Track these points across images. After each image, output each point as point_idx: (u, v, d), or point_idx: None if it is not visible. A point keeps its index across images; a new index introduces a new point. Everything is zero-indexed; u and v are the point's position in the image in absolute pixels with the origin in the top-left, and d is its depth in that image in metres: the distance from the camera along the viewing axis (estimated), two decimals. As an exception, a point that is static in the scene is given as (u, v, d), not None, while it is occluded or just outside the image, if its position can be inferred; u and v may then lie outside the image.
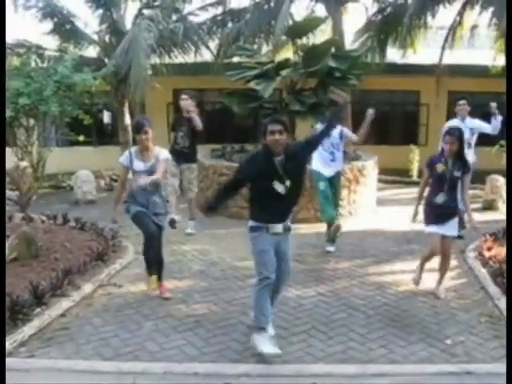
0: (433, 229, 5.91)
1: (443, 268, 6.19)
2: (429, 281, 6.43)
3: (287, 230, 4.88)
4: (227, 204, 9.50)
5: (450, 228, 5.92)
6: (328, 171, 7.76)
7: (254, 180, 4.78)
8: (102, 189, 13.23)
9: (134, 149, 6.06)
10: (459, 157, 5.83)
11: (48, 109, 9.54)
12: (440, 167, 5.85)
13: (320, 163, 7.75)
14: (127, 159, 5.99)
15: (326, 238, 7.96)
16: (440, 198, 5.85)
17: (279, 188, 4.67)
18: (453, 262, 7.21)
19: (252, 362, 4.61)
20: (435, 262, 6.20)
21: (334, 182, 7.87)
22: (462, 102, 8.71)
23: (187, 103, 8.64)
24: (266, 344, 4.60)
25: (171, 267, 7.08)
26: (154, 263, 6.09)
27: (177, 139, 8.75)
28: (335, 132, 7.70)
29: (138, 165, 5.92)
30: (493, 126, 8.64)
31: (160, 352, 4.80)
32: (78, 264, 6.77)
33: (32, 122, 10.19)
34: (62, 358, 4.69)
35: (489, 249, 7.40)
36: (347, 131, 8.08)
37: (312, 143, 5.11)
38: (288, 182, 4.67)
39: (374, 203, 11.09)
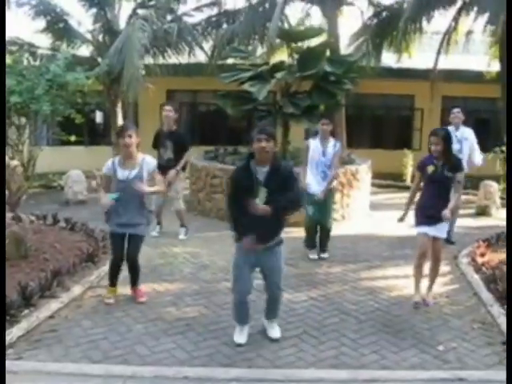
0: (423, 229, 5.93)
1: (434, 272, 6.16)
2: (420, 287, 6.45)
3: (271, 247, 4.83)
4: (218, 206, 9.52)
5: (440, 230, 5.94)
6: (319, 188, 7.58)
7: (236, 193, 4.77)
8: (93, 189, 13.13)
9: (117, 158, 5.87)
10: (448, 157, 5.83)
11: (40, 107, 9.53)
12: (430, 169, 5.87)
13: (312, 180, 7.61)
14: (110, 168, 5.80)
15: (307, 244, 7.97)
16: (431, 200, 5.87)
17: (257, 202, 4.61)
18: (445, 268, 7.24)
19: (243, 366, 4.59)
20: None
21: (323, 201, 7.67)
22: (456, 110, 8.70)
23: (170, 115, 8.58)
24: (236, 334, 5.02)
25: (161, 270, 7.06)
26: (130, 271, 6.07)
27: (160, 154, 8.59)
28: (330, 150, 7.61)
29: (123, 173, 5.72)
30: (478, 157, 8.66)
31: (150, 355, 4.76)
32: (67, 265, 6.73)
33: (23, 120, 10.18)
34: (51, 360, 4.65)
35: (482, 255, 7.41)
36: (340, 148, 7.91)
37: (293, 191, 4.77)
38: (266, 197, 4.61)
39: (368, 207, 11.10)
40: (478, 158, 8.62)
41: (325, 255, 7.83)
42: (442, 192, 5.84)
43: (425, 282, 6.16)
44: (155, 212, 8.53)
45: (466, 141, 8.51)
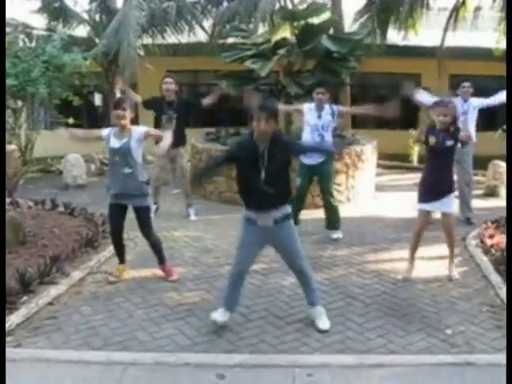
0: (423, 206, 6.01)
1: (450, 247, 6.26)
2: (427, 269, 6.44)
3: (279, 221, 4.80)
4: (220, 188, 9.48)
5: (446, 204, 5.93)
6: (312, 159, 7.47)
7: (238, 162, 4.82)
8: (92, 173, 13.16)
9: (116, 128, 5.99)
10: (451, 127, 5.81)
11: (36, 90, 9.46)
12: (432, 140, 5.88)
13: None
14: (106, 134, 5.99)
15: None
16: (434, 174, 5.86)
17: (260, 175, 4.65)
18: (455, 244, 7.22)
19: (246, 352, 4.58)
20: (430, 249, 6.19)
21: (320, 172, 7.67)
22: (467, 84, 8.68)
23: (172, 88, 8.64)
24: (216, 313, 4.96)
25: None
26: (151, 248, 6.25)
27: (160, 124, 8.57)
28: (327, 113, 7.60)
29: (113, 142, 5.89)
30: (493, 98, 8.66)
31: (151, 342, 4.76)
32: (66, 251, 6.73)
33: (20, 103, 10.10)
34: (50, 347, 4.66)
35: (490, 236, 7.37)
36: (340, 108, 7.99)
37: (301, 151, 5.14)
38: (267, 170, 4.64)
39: (373, 189, 11.06)
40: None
41: (335, 235, 7.80)
42: (443, 165, 5.84)
43: (429, 263, 6.15)
44: (152, 190, 8.57)
45: (473, 111, 8.57)
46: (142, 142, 5.96)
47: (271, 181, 4.66)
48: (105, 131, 6.04)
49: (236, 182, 5.01)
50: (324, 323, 5.01)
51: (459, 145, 6.01)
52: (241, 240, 4.95)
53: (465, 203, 8.69)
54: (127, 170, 5.85)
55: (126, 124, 5.83)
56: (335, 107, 7.84)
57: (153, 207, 8.79)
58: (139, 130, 5.95)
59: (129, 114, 5.84)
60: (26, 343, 4.72)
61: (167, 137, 6.11)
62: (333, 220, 7.86)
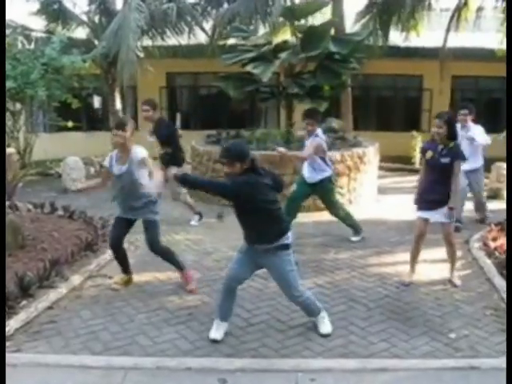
0: (420, 214, 6.08)
1: (451, 257, 6.28)
2: (430, 272, 6.43)
3: (270, 250, 4.73)
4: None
5: (439, 215, 5.97)
6: (310, 178, 7.53)
7: None
8: (91, 176, 13.14)
9: (115, 152, 5.91)
10: (449, 142, 5.82)
11: (35, 93, 9.48)
12: (429, 154, 5.96)
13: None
14: (108, 162, 5.91)
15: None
16: (430, 185, 5.93)
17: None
18: (457, 253, 7.21)
19: (247, 356, 4.58)
20: (433, 252, 6.18)
21: (318, 189, 7.67)
22: (463, 111, 8.43)
23: (147, 115, 8.42)
24: (212, 329, 4.91)
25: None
26: (164, 259, 6.17)
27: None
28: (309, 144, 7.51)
29: (117, 168, 5.78)
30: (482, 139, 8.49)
31: (152, 346, 4.76)
32: (66, 254, 6.73)
33: (18, 106, 10.12)
34: (50, 352, 4.66)
35: (494, 239, 7.38)
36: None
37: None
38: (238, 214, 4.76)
39: (375, 191, 11.06)
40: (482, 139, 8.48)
41: (353, 238, 7.90)
42: (440, 178, 5.87)
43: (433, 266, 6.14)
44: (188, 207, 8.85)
45: (471, 141, 8.31)
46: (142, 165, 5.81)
47: (247, 223, 4.78)
48: (106, 160, 5.94)
49: None
50: (325, 327, 5.01)
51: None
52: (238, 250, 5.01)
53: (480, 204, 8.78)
54: (132, 193, 5.80)
55: (123, 144, 5.71)
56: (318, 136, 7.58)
57: (196, 217, 8.92)
58: (137, 153, 5.74)
59: (128, 135, 5.69)
60: (26, 348, 4.71)
61: (156, 175, 5.71)
62: (350, 226, 7.92)
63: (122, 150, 5.76)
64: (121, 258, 6.13)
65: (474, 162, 8.20)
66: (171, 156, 8.42)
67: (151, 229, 5.94)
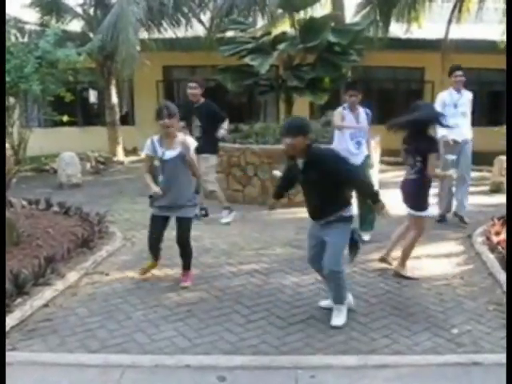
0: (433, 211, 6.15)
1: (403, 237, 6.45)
2: (432, 267, 6.44)
3: (330, 221, 5.00)
4: (220, 186, 9.45)
5: None
6: (355, 159, 7.35)
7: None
8: (87, 172, 13.17)
9: (155, 137, 5.93)
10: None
11: (29, 87, 9.43)
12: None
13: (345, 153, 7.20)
14: (150, 148, 5.90)
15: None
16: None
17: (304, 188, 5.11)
18: (459, 248, 7.26)
19: (247, 353, 4.58)
20: (435, 247, 6.18)
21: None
22: (459, 72, 8.45)
23: (196, 92, 8.57)
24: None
25: (161, 254, 7.02)
26: (181, 255, 6.18)
27: (191, 131, 8.49)
28: (363, 118, 7.57)
29: (166, 153, 5.79)
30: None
31: (149, 344, 4.76)
32: (61, 251, 6.72)
33: (12, 100, 10.08)
34: (46, 350, 4.66)
35: (497, 233, 7.37)
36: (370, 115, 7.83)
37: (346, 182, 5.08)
38: (308, 184, 5.01)
39: (377, 186, 11.03)
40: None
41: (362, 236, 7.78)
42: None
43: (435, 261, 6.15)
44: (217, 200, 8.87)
45: (468, 103, 8.47)
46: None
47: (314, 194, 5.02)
48: (147, 147, 5.94)
49: None
50: (339, 319, 5.08)
51: None
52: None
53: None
54: (183, 180, 5.84)
55: (173, 132, 5.80)
56: (368, 111, 7.74)
57: (225, 212, 8.87)
58: (192, 143, 5.90)
59: (176, 121, 5.81)
60: (21, 346, 4.71)
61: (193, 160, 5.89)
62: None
63: (168, 136, 5.81)
64: (156, 247, 6.23)
65: None
66: (210, 141, 8.53)
67: (187, 225, 6.03)
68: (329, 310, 5.24)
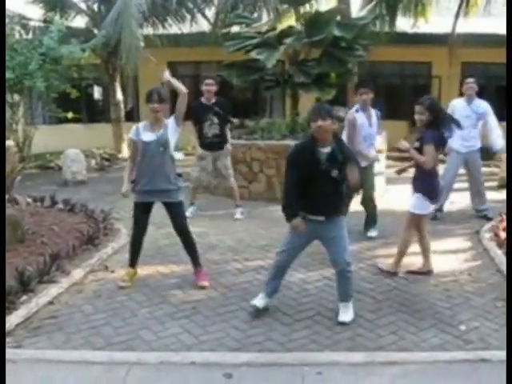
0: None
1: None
2: (439, 263, 6.42)
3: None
4: (224, 183, 9.45)
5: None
6: (364, 163, 7.47)
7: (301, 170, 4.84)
8: (92, 168, 13.20)
9: (141, 123, 5.98)
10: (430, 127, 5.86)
11: (33, 83, 9.49)
12: (416, 145, 6.00)
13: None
14: (135, 132, 5.92)
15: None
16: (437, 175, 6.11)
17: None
18: (466, 244, 7.25)
19: (253, 350, 4.59)
20: (442, 243, 6.17)
21: (369, 171, 7.80)
22: (471, 80, 8.41)
23: (213, 89, 8.62)
24: (256, 299, 5.22)
25: (167, 251, 7.06)
26: (185, 247, 6.16)
27: (203, 130, 8.61)
28: (375, 120, 7.57)
29: (147, 135, 5.80)
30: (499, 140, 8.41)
31: (155, 341, 4.77)
32: (66, 248, 6.75)
33: (17, 97, 10.13)
34: (51, 348, 4.67)
35: (505, 229, 7.35)
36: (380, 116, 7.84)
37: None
38: (327, 175, 4.75)
39: (383, 182, 11.02)
40: (500, 141, 8.39)
41: (368, 233, 7.87)
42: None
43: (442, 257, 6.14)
44: (192, 188, 8.80)
45: (480, 115, 8.37)
46: (177, 130, 5.86)
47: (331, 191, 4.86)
48: (132, 132, 5.97)
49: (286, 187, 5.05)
50: (347, 316, 5.07)
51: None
52: (289, 238, 5.10)
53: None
54: (164, 162, 5.81)
55: (161, 117, 5.82)
56: (378, 112, 7.76)
57: (190, 207, 8.85)
58: (170, 120, 5.88)
59: (165, 106, 5.83)
60: (27, 344, 4.73)
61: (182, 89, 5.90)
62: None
63: (155, 121, 5.83)
64: (139, 249, 6.13)
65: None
66: (223, 138, 8.71)
67: (179, 208, 5.99)
68: (337, 307, 5.24)
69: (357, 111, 7.49)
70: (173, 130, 5.83)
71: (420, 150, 5.85)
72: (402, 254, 6.20)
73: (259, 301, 5.19)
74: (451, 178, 8.36)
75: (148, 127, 5.86)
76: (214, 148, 8.63)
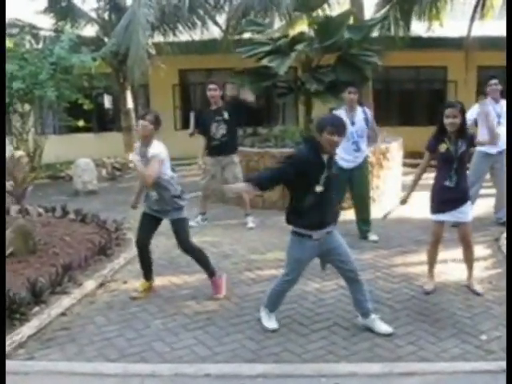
0: (439, 217, 5.88)
1: (468, 259, 6.06)
2: (459, 272, 6.37)
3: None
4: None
5: (463, 213, 5.82)
6: (350, 164, 7.66)
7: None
8: (103, 178, 13.24)
9: (138, 143, 5.95)
10: (463, 131, 5.73)
11: (44, 93, 9.57)
12: (443, 147, 5.73)
13: (342, 155, 7.27)
14: (135, 151, 5.93)
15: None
16: (448, 182, 5.75)
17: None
18: (486, 251, 7.19)
19: (269, 361, 4.58)
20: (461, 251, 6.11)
21: (358, 172, 7.80)
22: (494, 81, 8.28)
23: (216, 94, 8.58)
24: (268, 320, 5.18)
25: (179, 261, 7.06)
26: (196, 261, 6.14)
27: (211, 133, 8.59)
28: (360, 118, 7.62)
29: (135, 157, 5.78)
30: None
31: (169, 352, 4.77)
32: (78, 259, 6.76)
33: (27, 107, 10.22)
34: (63, 359, 4.68)
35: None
36: (371, 115, 7.98)
37: None
38: (328, 184, 4.76)
39: (399, 189, 10.98)
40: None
41: (371, 237, 7.91)
42: (460, 170, 5.74)
43: (461, 266, 6.09)
44: (201, 196, 8.84)
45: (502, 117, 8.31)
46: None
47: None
48: (132, 155, 5.99)
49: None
50: (386, 327, 5.05)
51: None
52: (298, 258, 5.01)
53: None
54: (154, 192, 5.78)
55: (145, 137, 5.69)
56: (369, 113, 7.88)
57: (198, 216, 8.89)
58: (153, 151, 5.65)
59: (150, 128, 5.64)
60: (39, 355, 4.75)
61: (146, 170, 5.65)
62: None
63: (142, 141, 5.77)
64: (147, 259, 6.08)
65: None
66: (232, 139, 8.68)
67: (179, 225, 5.90)
68: (354, 317, 5.22)
69: (336, 110, 7.80)
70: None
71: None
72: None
73: (272, 323, 5.18)
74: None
75: (140, 150, 5.80)
76: (222, 151, 8.57)
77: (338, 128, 4.65)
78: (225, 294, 5.97)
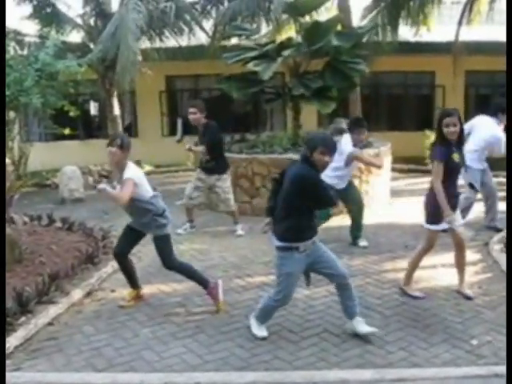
0: (444, 227, 5.81)
1: (460, 263, 6.07)
2: (449, 277, 6.40)
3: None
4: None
5: (459, 218, 5.94)
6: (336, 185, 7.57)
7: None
8: (90, 186, 13.16)
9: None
10: (461, 139, 5.78)
11: (29, 100, 9.49)
12: (456, 157, 5.68)
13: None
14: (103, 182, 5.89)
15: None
16: (456, 188, 5.85)
17: None
18: (476, 256, 7.23)
19: (260, 369, 4.58)
20: (452, 255, 6.14)
21: (349, 188, 7.90)
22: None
23: (195, 117, 8.45)
24: (258, 328, 5.17)
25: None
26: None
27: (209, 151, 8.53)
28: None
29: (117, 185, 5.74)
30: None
31: (158, 361, 4.76)
32: (65, 268, 6.74)
33: (12, 114, 10.14)
34: (51, 370, 4.66)
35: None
36: (345, 148, 7.70)
37: None
38: None
39: (388, 194, 11.05)
40: None
41: (361, 243, 7.99)
42: (456, 180, 5.85)
43: (451, 271, 6.12)
44: (186, 205, 8.77)
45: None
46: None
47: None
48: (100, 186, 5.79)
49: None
50: (364, 327, 5.09)
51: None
52: (290, 273, 4.96)
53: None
54: (134, 216, 5.79)
55: (116, 162, 5.60)
56: (344, 147, 7.73)
57: (186, 224, 8.86)
58: (126, 175, 5.54)
59: (120, 152, 5.54)
60: (26, 366, 4.72)
61: (120, 194, 5.51)
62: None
63: (118, 169, 5.66)
64: (128, 269, 6.03)
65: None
66: (216, 163, 8.51)
67: (161, 244, 5.81)
68: (344, 323, 5.23)
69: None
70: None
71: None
72: None
73: (262, 331, 5.18)
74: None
75: (116, 176, 5.76)
76: (208, 172, 8.53)
77: (330, 149, 4.77)
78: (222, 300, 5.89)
